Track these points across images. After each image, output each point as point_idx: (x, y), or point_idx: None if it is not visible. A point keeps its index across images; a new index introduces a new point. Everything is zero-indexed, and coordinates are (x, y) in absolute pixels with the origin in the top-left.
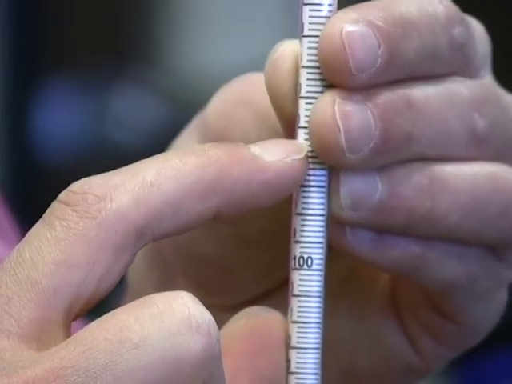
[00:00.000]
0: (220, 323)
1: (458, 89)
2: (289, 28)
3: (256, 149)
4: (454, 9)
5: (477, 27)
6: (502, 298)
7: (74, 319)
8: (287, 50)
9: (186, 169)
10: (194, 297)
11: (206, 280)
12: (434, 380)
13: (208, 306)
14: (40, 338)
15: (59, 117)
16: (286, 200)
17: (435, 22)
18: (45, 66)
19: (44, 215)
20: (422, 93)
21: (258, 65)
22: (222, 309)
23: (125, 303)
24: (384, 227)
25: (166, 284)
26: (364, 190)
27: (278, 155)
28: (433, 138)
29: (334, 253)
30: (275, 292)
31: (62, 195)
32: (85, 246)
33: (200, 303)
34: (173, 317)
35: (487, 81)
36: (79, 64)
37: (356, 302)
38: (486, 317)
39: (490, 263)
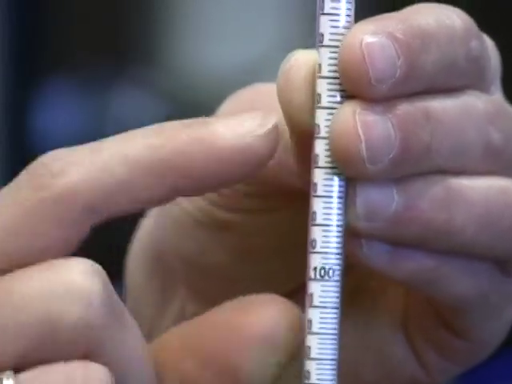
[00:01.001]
0: None
1: (474, 102)
2: (288, 29)
3: (218, 126)
4: (471, 22)
5: (489, 42)
6: (510, 312)
7: None
8: (300, 59)
9: (140, 147)
10: (93, 266)
11: (209, 289)
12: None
13: None
14: None
15: (59, 117)
16: (296, 211)
17: (453, 34)
18: (45, 66)
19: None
20: (439, 105)
21: (257, 65)
22: None
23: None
24: (400, 239)
25: (166, 292)
26: (380, 201)
27: (240, 131)
28: (450, 149)
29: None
30: None
31: (31, 164)
32: (29, 216)
33: (96, 274)
34: (58, 281)
35: (498, 96)
36: (79, 64)
37: (362, 315)
38: (496, 333)
39: (498, 279)
